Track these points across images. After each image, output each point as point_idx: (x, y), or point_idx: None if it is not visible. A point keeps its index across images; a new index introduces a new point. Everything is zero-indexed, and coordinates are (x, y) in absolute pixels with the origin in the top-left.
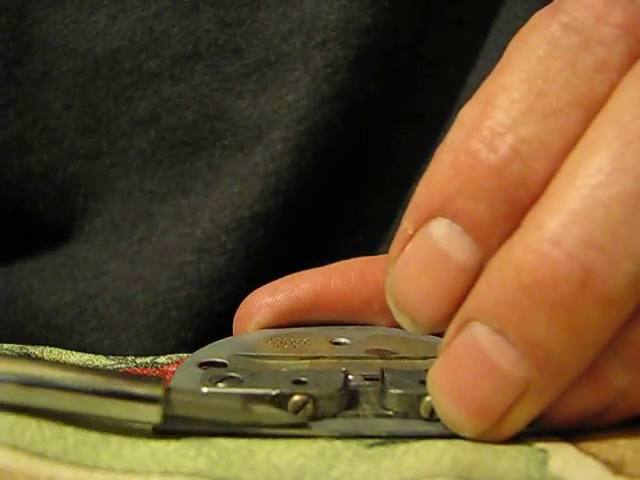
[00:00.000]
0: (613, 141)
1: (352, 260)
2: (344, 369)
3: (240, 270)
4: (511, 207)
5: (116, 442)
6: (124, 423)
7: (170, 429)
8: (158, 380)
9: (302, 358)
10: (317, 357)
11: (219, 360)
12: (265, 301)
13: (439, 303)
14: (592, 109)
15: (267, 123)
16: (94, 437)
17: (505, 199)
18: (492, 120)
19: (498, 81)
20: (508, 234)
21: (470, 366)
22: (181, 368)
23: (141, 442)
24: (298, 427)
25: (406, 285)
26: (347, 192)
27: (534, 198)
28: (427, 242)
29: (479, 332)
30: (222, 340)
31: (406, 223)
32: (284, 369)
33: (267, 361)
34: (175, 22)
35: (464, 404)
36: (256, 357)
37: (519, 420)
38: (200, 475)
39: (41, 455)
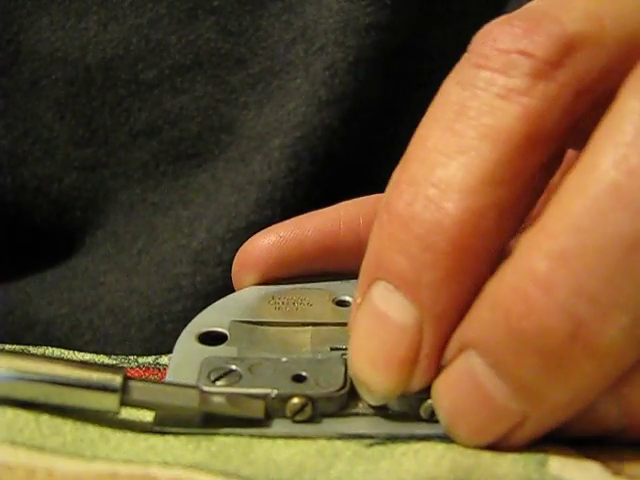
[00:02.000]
0: (610, 168)
1: (362, 200)
2: (345, 357)
3: None
4: (431, 254)
5: (115, 439)
6: (124, 421)
7: (168, 430)
8: (119, 369)
9: (304, 324)
10: (319, 323)
11: (219, 330)
12: (268, 254)
13: (387, 368)
14: (499, 138)
15: (269, 132)
16: (93, 434)
17: (422, 247)
18: (407, 173)
19: (416, 134)
20: (438, 281)
21: (467, 393)
22: (181, 340)
23: (140, 439)
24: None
25: (358, 355)
26: (345, 199)
27: (452, 240)
28: (369, 307)
29: (475, 362)
30: (223, 300)
31: (356, 293)
32: (284, 359)
33: (268, 328)
34: (173, 31)
35: (464, 424)
36: (257, 324)
37: (520, 440)
38: (199, 467)
39: (39, 448)
